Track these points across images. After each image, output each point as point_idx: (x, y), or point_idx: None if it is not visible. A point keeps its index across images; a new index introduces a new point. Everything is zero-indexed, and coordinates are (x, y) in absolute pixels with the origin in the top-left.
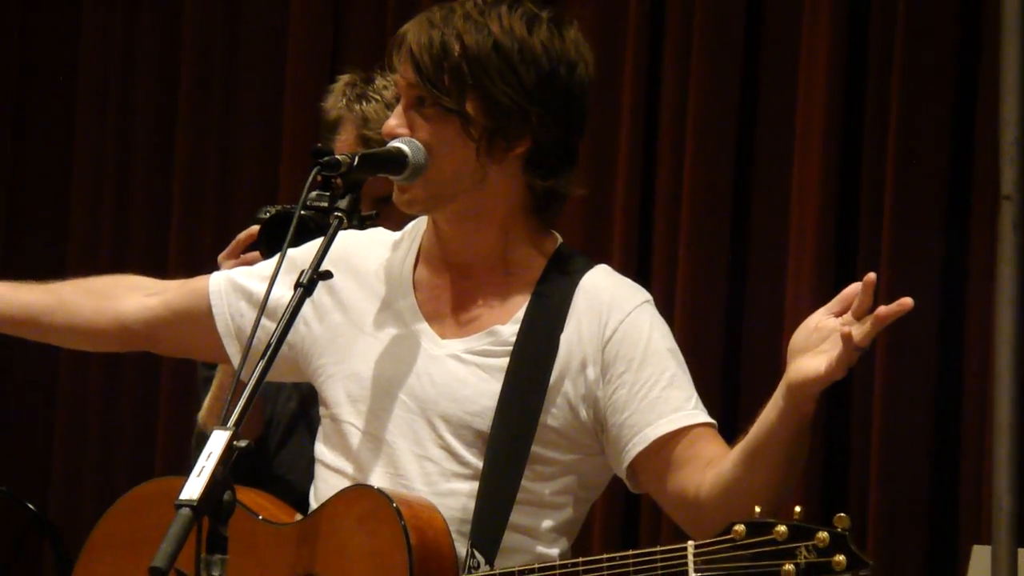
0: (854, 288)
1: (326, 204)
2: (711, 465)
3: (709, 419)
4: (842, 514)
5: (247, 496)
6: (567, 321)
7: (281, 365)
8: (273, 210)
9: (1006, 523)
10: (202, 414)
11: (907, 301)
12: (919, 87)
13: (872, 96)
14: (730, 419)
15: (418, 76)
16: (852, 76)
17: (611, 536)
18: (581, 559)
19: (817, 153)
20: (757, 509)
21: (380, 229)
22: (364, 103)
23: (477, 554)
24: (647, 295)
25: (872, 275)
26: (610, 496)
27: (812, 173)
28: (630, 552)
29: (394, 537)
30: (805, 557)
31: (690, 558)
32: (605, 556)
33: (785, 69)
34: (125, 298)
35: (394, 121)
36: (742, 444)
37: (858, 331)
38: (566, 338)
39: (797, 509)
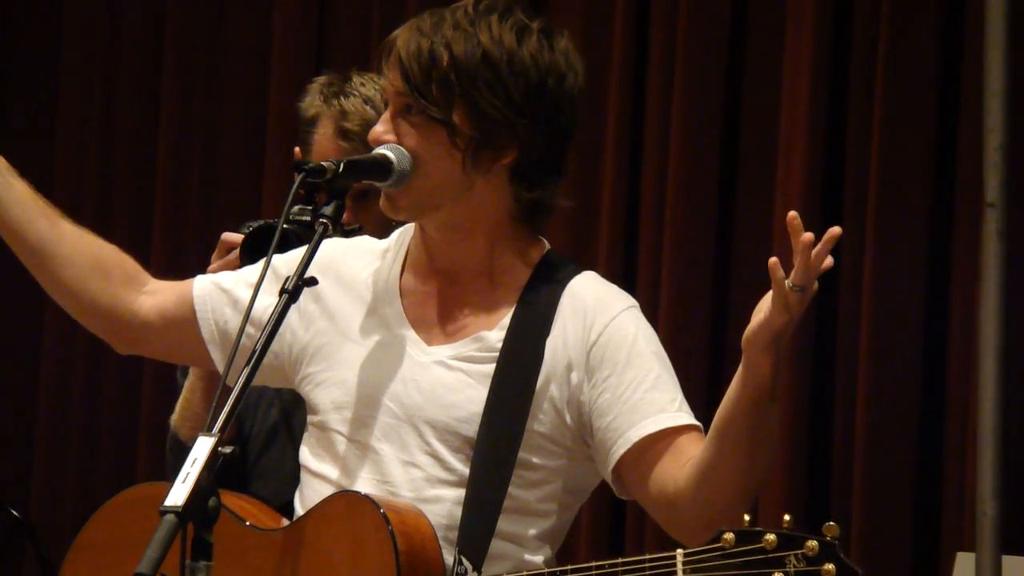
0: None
1: (308, 218)
2: (690, 461)
3: (693, 421)
4: (831, 523)
5: (233, 501)
6: (553, 326)
7: (266, 372)
8: (255, 224)
9: (990, 529)
10: (174, 418)
11: (835, 230)
12: (902, 95)
13: (855, 103)
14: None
15: (406, 84)
16: (835, 83)
17: (598, 544)
18: (569, 566)
19: (800, 160)
20: (746, 517)
21: (366, 237)
22: (342, 98)
23: (464, 561)
24: (633, 300)
25: (794, 214)
26: (596, 503)
27: (795, 180)
28: (619, 560)
29: (381, 543)
30: (795, 566)
31: (679, 566)
32: (594, 564)
33: (769, 76)
34: (129, 292)
35: (381, 128)
36: (712, 425)
37: (793, 271)
38: (551, 343)
39: (786, 517)
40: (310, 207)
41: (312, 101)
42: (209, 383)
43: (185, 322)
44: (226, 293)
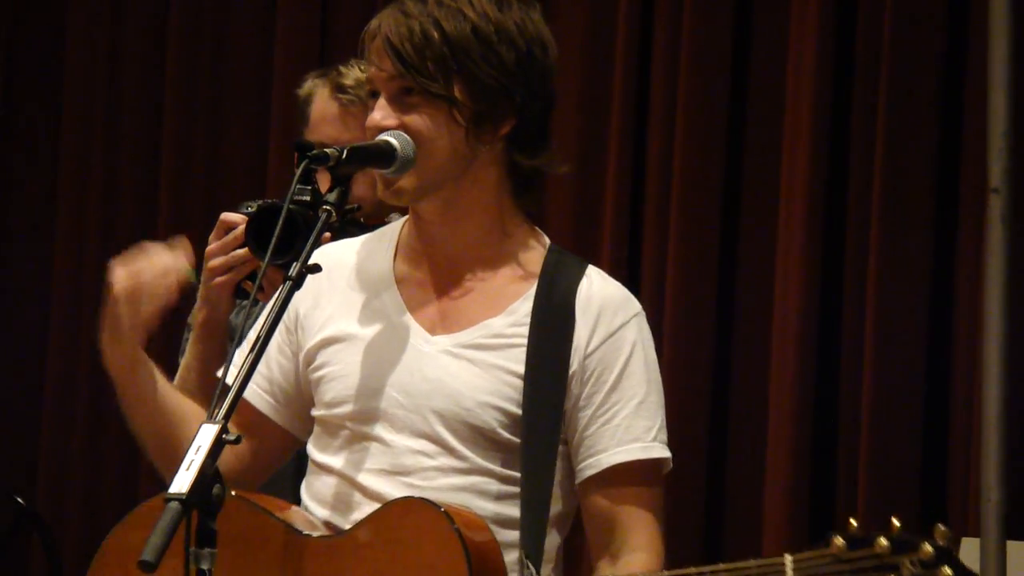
0: None
1: (308, 198)
2: (615, 552)
3: (663, 454)
4: (941, 526)
5: (280, 508)
6: (575, 322)
7: (290, 394)
8: (254, 205)
9: (995, 515)
10: None
11: None
12: (907, 82)
13: (860, 91)
14: (719, 410)
15: (401, 66)
16: (840, 71)
17: None
18: (665, 572)
19: (805, 147)
20: (853, 522)
21: (346, 240)
22: (338, 67)
23: (531, 565)
24: (638, 307)
25: None
26: None
27: (800, 168)
28: (721, 565)
29: (453, 553)
30: (910, 570)
31: (789, 572)
32: (693, 569)
33: (773, 65)
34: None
35: (378, 114)
36: None
37: None
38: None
39: (895, 522)
40: (309, 187)
41: (307, 85)
42: (204, 364)
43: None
44: (267, 376)
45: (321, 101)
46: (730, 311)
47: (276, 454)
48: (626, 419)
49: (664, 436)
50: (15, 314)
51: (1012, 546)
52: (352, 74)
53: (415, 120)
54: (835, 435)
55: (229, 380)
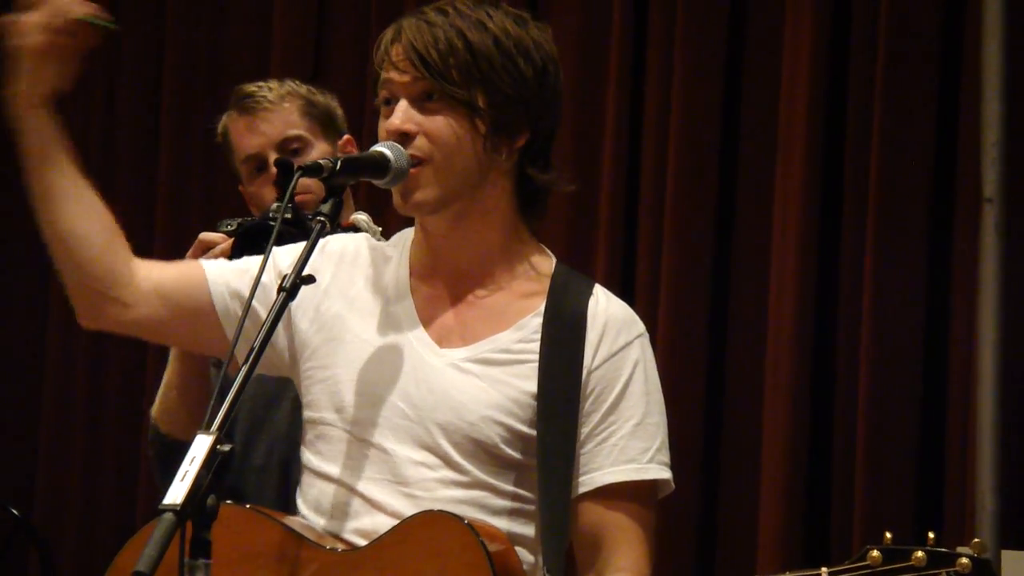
0: None
1: (290, 215)
2: (599, 571)
3: (660, 475)
4: (977, 539)
5: (294, 521)
6: (586, 340)
7: (264, 362)
8: (234, 223)
9: (990, 523)
10: (154, 409)
11: None
12: (901, 91)
13: (855, 99)
14: (713, 421)
15: (426, 70)
16: (835, 78)
17: None
18: None
19: (800, 157)
20: (888, 535)
21: (364, 235)
22: (234, 90)
23: None
24: (641, 328)
25: None
26: None
27: (795, 177)
28: None
29: (478, 566)
30: None
31: None
32: None
33: (768, 71)
34: (128, 254)
35: (398, 118)
36: None
37: None
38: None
39: (931, 535)
40: (290, 204)
41: (219, 125)
42: (184, 382)
43: (202, 311)
44: (236, 292)
45: (234, 124)
46: (724, 322)
47: (190, 339)
48: (622, 439)
49: (664, 457)
50: (11, 326)
51: (1007, 555)
52: (252, 85)
53: (437, 124)
54: (831, 443)
55: (231, 364)
